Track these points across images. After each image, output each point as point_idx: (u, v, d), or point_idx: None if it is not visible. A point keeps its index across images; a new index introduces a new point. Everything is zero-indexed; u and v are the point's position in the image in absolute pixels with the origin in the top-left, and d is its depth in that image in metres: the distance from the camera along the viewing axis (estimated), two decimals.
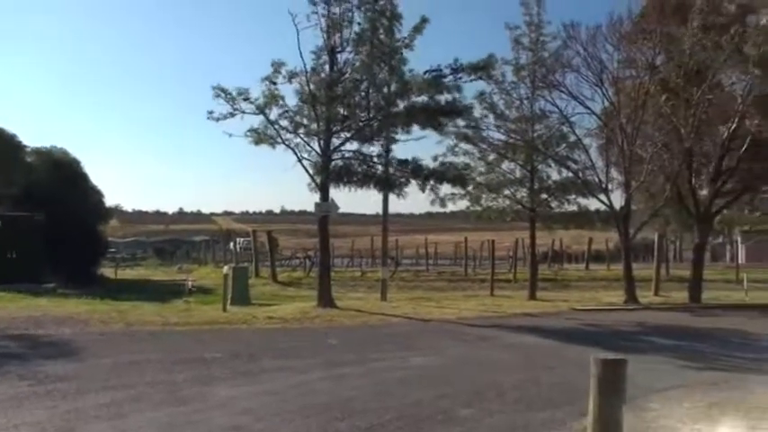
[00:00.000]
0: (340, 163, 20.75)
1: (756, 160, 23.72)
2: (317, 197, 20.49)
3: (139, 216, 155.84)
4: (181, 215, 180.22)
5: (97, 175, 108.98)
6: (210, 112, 19.74)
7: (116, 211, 71.94)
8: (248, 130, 20.13)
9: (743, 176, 24.70)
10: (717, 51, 22.38)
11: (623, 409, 4.31)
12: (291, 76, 19.78)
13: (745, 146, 23.20)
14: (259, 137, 20.16)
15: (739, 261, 45.35)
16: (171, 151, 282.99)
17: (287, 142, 20.27)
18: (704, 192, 25.58)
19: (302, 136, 20.33)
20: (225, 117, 19.78)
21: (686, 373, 10.72)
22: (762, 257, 46.05)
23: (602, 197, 24.42)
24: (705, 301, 23.85)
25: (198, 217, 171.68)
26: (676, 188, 24.44)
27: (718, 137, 24.33)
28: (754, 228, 40.80)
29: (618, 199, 24.56)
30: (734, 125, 23.35)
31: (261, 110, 19.82)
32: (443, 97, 20.35)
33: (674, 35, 23.67)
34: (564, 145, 24.69)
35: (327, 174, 20.22)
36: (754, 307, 22.62)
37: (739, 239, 54.87)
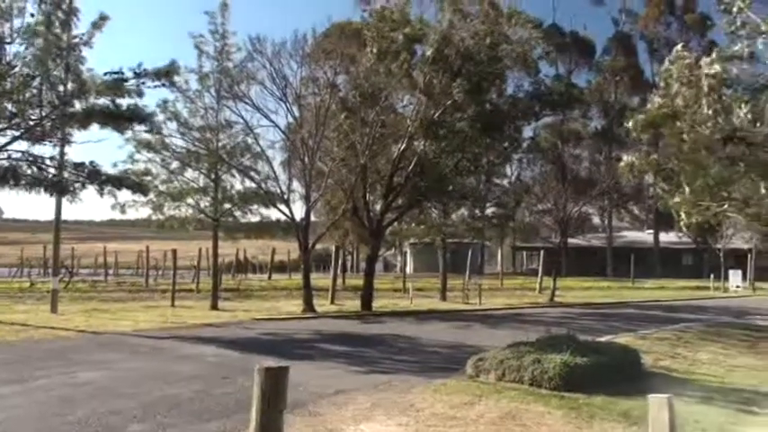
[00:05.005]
0: (5, 164, 18.85)
1: (422, 178, 25.93)
2: None
3: None
4: None
5: None
6: None
7: None
8: None
9: (411, 192, 26.71)
10: (389, 76, 24.18)
11: (284, 416, 4.38)
12: None
13: (412, 164, 25.24)
14: None
15: (408, 271, 49.49)
16: None
17: None
18: (378, 206, 27.33)
19: None
20: None
21: (354, 377, 11.32)
22: (426, 267, 50.56)
23: (284, 208, 25.03)
24: (376, 308, 25.47)
25: None
26: (353, 202, 25.83)
27: (391, 155, 26.21)
28: (421, 240, 44.75)
29: (300, 210, 25.39)
30: (404, 145, 25.32)
31: None
32: (125, 101, 19.53)
33: (354, 57, 25.17)
34: (248, 156, 24.85)
35: None
36: (417, 313, 24.70)
37: (408, 251, 59.84)
